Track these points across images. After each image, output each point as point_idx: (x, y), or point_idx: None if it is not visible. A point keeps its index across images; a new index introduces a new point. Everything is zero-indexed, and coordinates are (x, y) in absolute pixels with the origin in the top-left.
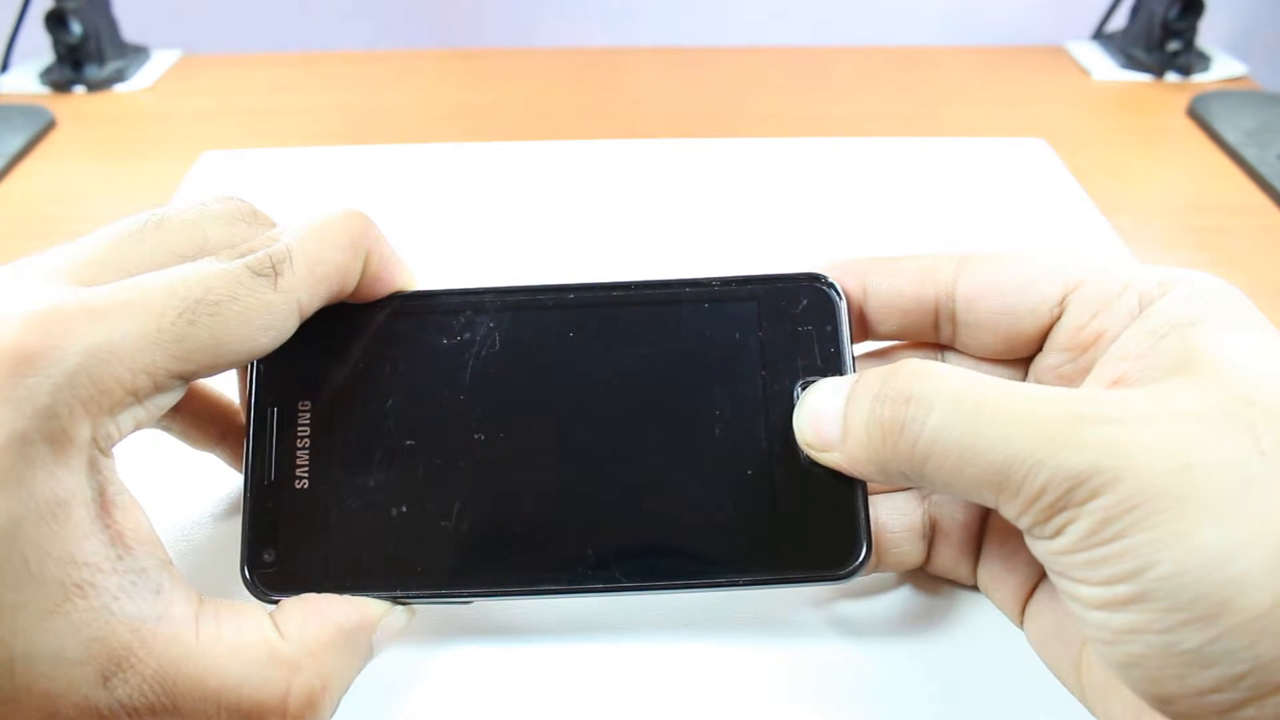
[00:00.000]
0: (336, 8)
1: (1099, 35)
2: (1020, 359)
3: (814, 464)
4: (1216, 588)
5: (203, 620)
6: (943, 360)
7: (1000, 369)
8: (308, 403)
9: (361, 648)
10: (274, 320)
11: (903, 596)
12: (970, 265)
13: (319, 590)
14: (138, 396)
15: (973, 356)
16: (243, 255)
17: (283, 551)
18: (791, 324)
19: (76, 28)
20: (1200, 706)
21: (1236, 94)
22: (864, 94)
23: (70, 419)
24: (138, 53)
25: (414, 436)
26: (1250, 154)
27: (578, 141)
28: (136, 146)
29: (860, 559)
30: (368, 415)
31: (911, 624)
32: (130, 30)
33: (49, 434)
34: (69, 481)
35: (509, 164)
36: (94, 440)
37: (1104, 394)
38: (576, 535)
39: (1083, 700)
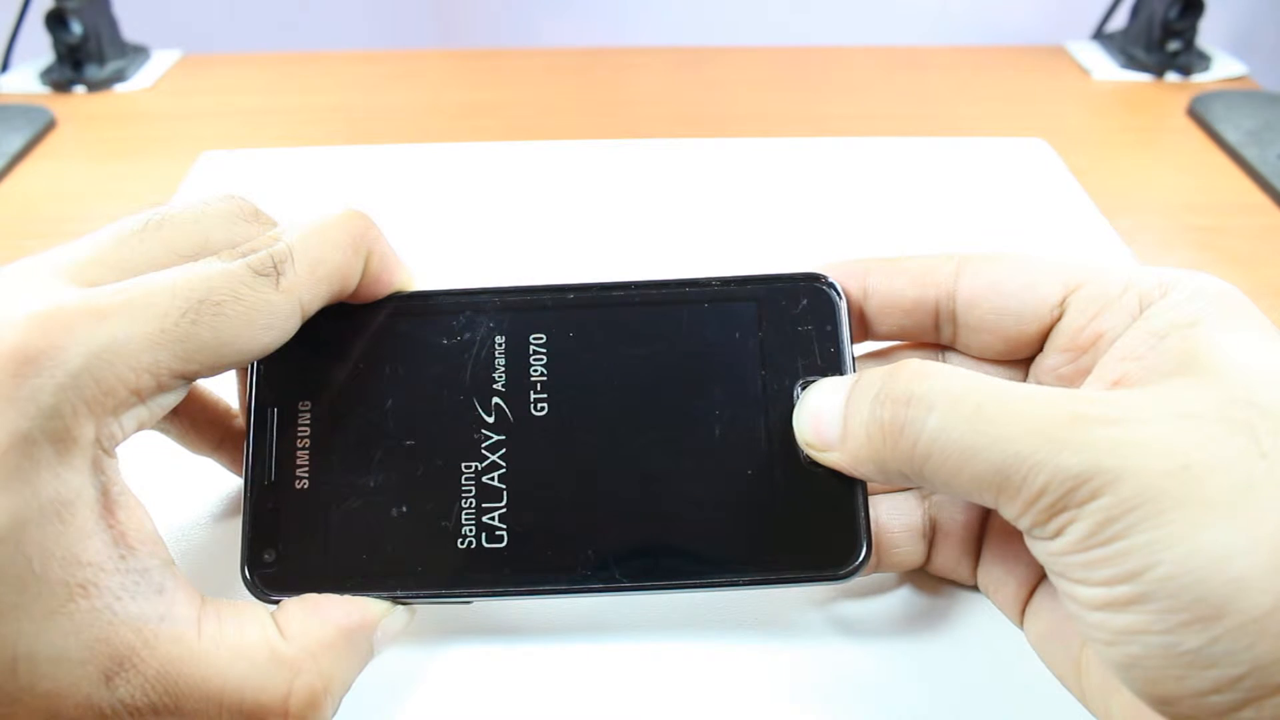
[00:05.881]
0: (336, 8)
1: (1099, 35)
2: (1021, 360)
3: (814, 464)
4: (1216, 589)
5: (205, 620)
6: (943, 361)
7: (1001, 370)
8: (308, 403)
9: (362, 648)
10: (276, 320)
11: (903, 596)
12: (971, 266)
13: (319, 590)
14: (141, 396)
15: (973, 357)
16: (244, 255)
17: (283, 552)
18: (791, 324)
19: (76, 27)
20: (1200, 708)
21: (1236, 94)
22: (864, 94)
23: (74, 419)
24: (138, 53)
25: (414, 437)
26: (1250, 154)
27: (579, 141)
28: (136, 146)
29: (860, 559)
30: (368, 415)
31: (911, 624)
32: (130, 30)
33: (53, 434)
34: (73, 482)
35: (509, 164)
36: (97, 440)
37: (1104, 395)
38: (576, 535)
39: (1082, 701)
